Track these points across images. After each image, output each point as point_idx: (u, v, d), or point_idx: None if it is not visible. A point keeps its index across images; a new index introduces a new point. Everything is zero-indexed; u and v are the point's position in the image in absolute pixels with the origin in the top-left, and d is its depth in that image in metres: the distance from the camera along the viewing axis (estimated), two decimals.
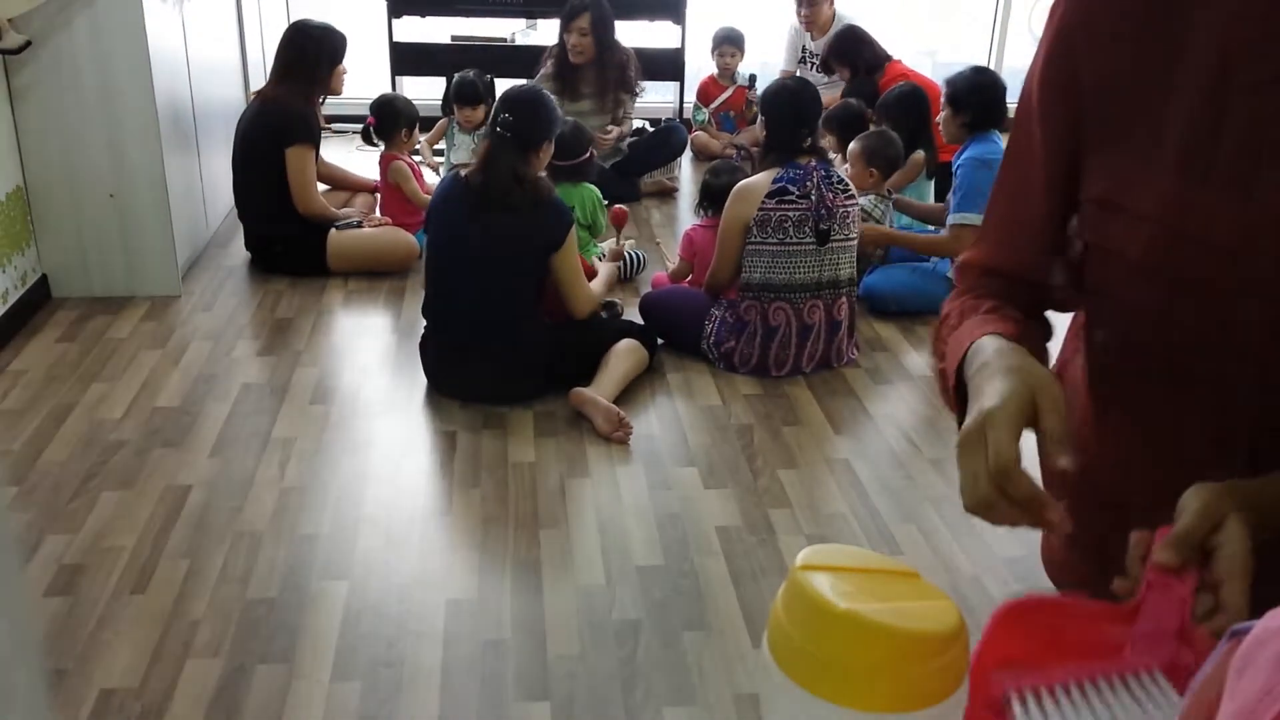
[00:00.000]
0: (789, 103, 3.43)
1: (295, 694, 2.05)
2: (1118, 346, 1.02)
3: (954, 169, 3.78)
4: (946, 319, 1.09)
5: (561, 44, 4.91)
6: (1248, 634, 0.48)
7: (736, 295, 3.42)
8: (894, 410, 3.25)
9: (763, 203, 3.29)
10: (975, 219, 3.66)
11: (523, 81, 3.65)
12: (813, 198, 3.30)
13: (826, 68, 5.19)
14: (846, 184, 3.43)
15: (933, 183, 4.36)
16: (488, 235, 3.10)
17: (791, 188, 3.29)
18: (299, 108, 4.05)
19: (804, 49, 5.61)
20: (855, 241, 3.46)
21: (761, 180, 3.33)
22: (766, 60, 5.92)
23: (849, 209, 3.39)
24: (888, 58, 5.01)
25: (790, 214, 3.29)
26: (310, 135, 4.05)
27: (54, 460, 2.82)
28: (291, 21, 4.30)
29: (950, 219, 3.76)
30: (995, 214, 1.14)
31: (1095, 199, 0.98)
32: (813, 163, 3.35)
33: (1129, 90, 0.95)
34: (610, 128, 4.99)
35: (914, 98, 4.35)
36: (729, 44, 5.59)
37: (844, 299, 3.43)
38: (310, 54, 4.09)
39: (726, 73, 5.65)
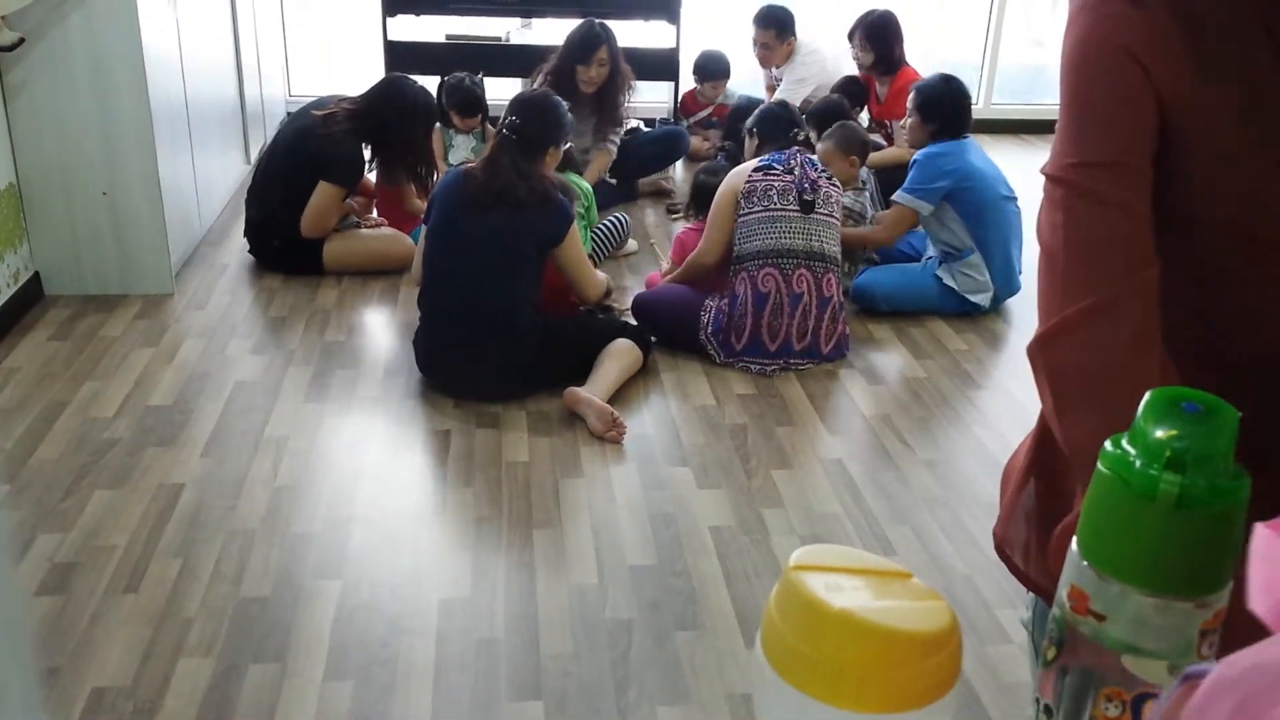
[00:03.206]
0: (781, 113, 3.81)
1: (288, 693, 2.05)
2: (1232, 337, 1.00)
3: (912, 162, 3.96)
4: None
5: (563, 73, 4.70)
6: (1201, 679, 0.47)
7: (726, 285, 3.46)
8: (887, 411, 3.25)
9: (750, 175, 3.49)
10: (916, 203, 3.83)
11: (523, 83, 3.64)
12: (796, 173, 3.48)
13: (850, 39, 5.10)
14: (829, 172, 3.62)
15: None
16: (487, 229, 3.12)
17: (776, 165, 3.51)
18: (353, 150, 4.01)
19: (771, 73, 5.59)
20: (838, 222, 3.58)
21: (751, 161, 3.59)
22: (758, 78, 5.89)
23: (831, 191, 3.55)
24: (904, 61, 5.01)
25: (775, 184, 3.46)
26: (347, 181, 4.02)
27: (46, 459, 2.81)
28: (395, 75, 4.27)
29: (894, 195, 3.92)
30: (1089, 110, 1.04)
31: (1194, 216, 0.98)
32: (796, 150, 3.58)
33: (1210, 106, 0.95)
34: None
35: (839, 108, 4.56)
36: (713, 77, 5.58)
37: (831, 275, 3.49)
38: (390, 116, 4.03)
39: (710, 97, 5.67)
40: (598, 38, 4.70)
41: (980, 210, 3.80)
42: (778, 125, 3.74)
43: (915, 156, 3.91)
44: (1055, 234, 1.05)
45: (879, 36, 4.96)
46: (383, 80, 4.19)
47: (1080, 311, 1.02)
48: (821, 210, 3.47)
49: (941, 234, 3.87)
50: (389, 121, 4.04)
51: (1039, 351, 1.07)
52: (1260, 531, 0.49)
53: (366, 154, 4.11)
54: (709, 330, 3.45)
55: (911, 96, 3.97)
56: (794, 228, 3.43)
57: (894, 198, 3.89)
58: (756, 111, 3.94)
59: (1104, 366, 1.02)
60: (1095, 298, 1.01)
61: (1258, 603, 0.47)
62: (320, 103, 4.12)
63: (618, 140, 4.92)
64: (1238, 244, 0.98)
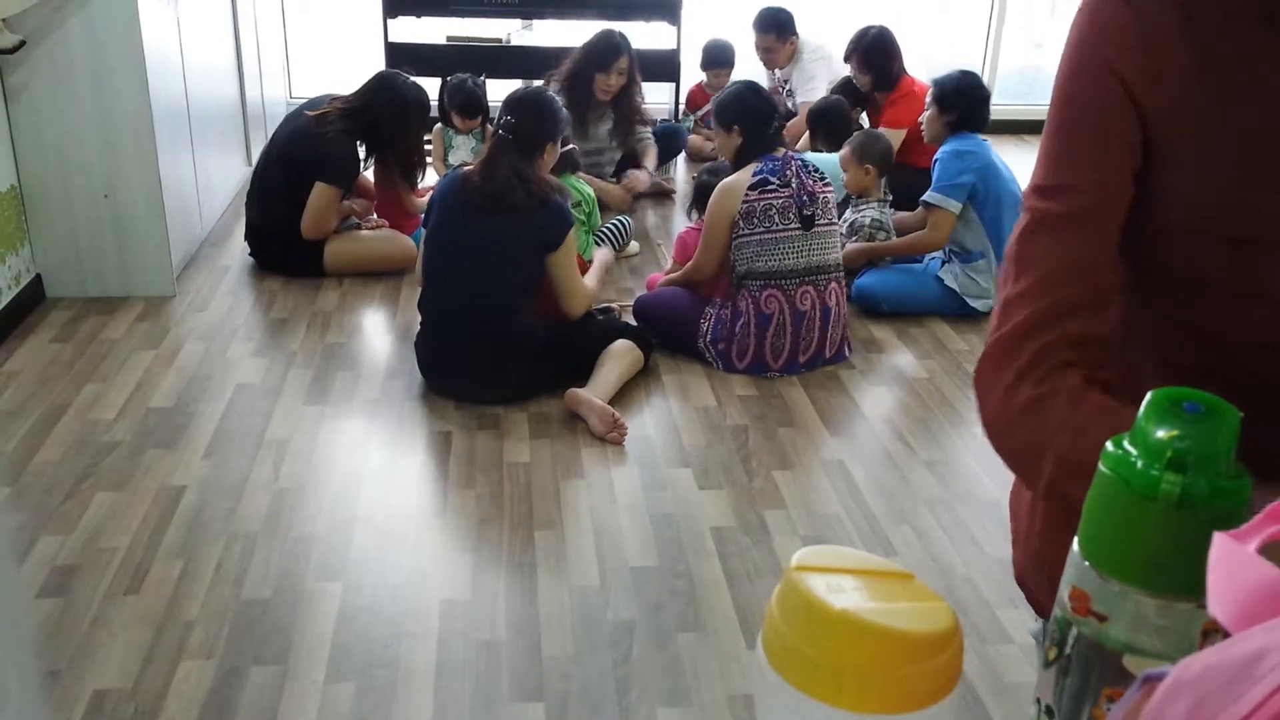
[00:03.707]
0: (756, 102, 3.54)
1: (289, 695, 2.05)
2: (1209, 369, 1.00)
3: (933, 161, 3.91)
4: (1050, 396, 0.97)
5: (580, 78, 4.67)
6: (1161, 680, 0.47)
7: (727, 291, 3.43)
8: (889, 411, 3.25)
9: (746, 195, 3.36)
10: (946, 201, 3.78)
11: (521, 83, 3.63)
12: (793, 185, 3.37)
13: (848, 60, 5.02)
14: (821, 171, 3.50)
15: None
16: (486, 234, 3.11)
17: (772, 178, 3.37)
18: (347, 148, 4.00)
19: (775, 75, 5.58)
20: (837, 226, 3.52)
21: (743, 175, 3.41)
22: (759, 68, 5.89)
23: (828, 195, 3.46)
24: (903, 73, 4.93)
25: (774, 202, 3.35)
26: (343, 180, 4.01)
27: (47, 461, 2.81)
28: (387, 71, 4.25)
29: (923, 197, 3.87)
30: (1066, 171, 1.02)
31: (1182, 225, 0.97)
32: (788, 154, 3.44)
33: (1208, 109, 0.94)
34: (635, 173, 4.85)
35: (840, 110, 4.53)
36: (718, 65, 5.58)
37: (834, 284, 3.46)
38: (383, 112, 4.01)
39: (715, 86, 5.67)
40: (618, 47, 4.67)
41: (999, 210, 3.79)
42: (760, 118, 3.47)
43: (937, 155, 3.88)
44: (1007, 261, 1.04)
45: (875, 58, 4.87)
46: (374, 77, 4.16)
47: (1015, 410, 1.00)
48: (821, 222, 3.40)
49: (961, 233, 3.84)
50: (382, 118, 4.02)
51: (990, 438, 1.05)
52: (1219, 538, 0.50)
53: (361, 152, 4.10)
54: (708, 338, 3.44)
55: (930, 90, 3.95)
56: (796, 246, 3.36)
57: (926, 199, 3.83)
58: (727, 96, 3.60)
59: (1045, 444, 1.00)
60: (1028, 390, 0.99)
61: (1216, 607, 0.47)
62: (313, 103, 4.12)
63: (649, 131, 4.98)
64: (1229, 250, 0.97)
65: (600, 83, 4.70)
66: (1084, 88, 1.00)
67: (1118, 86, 0.97)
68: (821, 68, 5.29)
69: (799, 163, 3.43)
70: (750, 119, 3.48)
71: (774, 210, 3.35)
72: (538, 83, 4.69)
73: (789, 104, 5.37)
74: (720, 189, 3.43)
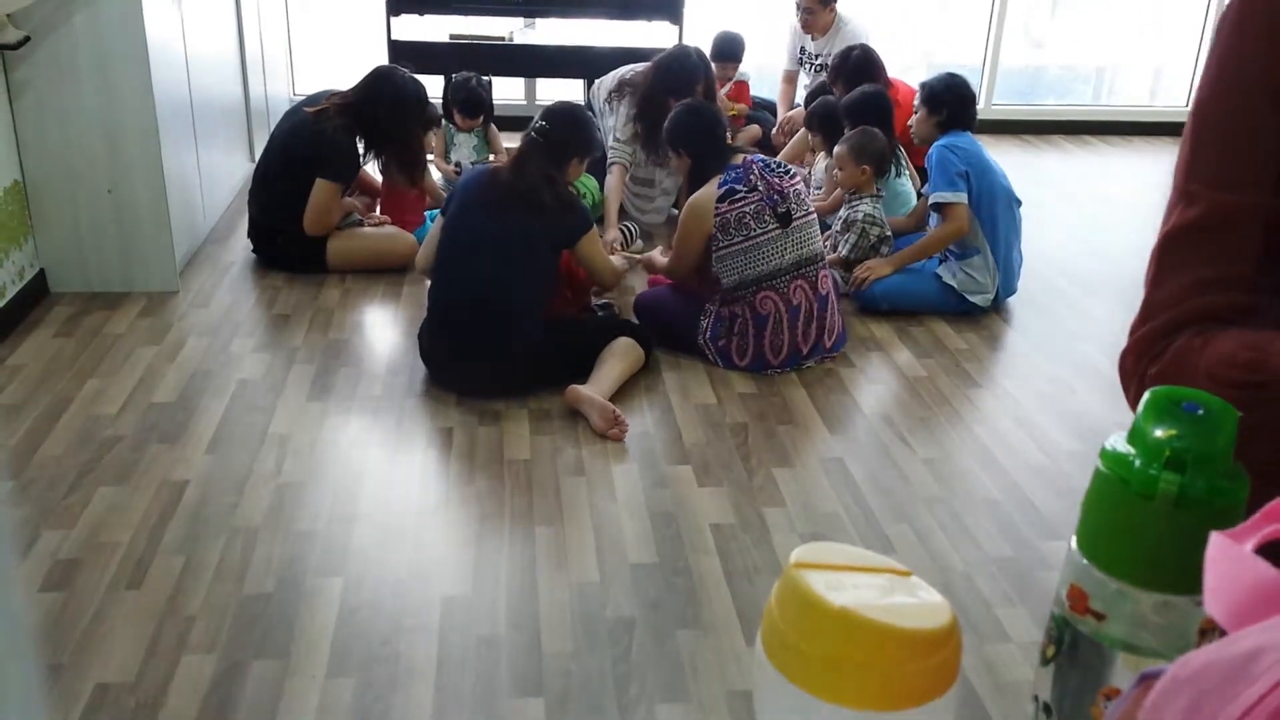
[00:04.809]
0: (696, 121, 3.58)
1: (290, 689, 2.06)
2: None
3: (926, 160, 3.93)
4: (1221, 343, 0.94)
5: (655, 101, 4.40)
6: (1158, 678, 0.48)
7: (721, 293, 3.44)
8: (888, 410, 3.25)
9: (716, 208, 3.36)
10: (956, 196, 3.78)
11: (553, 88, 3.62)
12: (760, 188, 3.36)
13: (833, 84, 4.96)
14: (784, 165, 3.51)
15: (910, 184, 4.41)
16: (506, 229, 3.15)
17: (738, 186, 3.37)
18: (346, 144, 4.00)
19: (803, 50, 5.58)
20: (815, 215, 3.51)
21: (709, 190, 3.41)
22: (764, 63, 5.90)
23: (797, 187, 3.45)
24: (889, 83, 4.87)
25: (746, 209, 3.35)
26: (343, 176, 4.01)
27: (50, 455, 2.82)
28: (385, 66, 4.22)
29: (932, 199, 3.87)
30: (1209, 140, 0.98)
31: None
32: (747, 158, 3.43)
33: None
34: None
35: (879, 99, 4.38)
36: (726, 58, 5.52)
37: (823, 271, 3.47)
38: (381, 107, 4.00)
39: (724, 78, 5.65)
40: (695, 72, 4.47)
41: (993, 204, 3.80)
42: (702, 136, 3.52)
43: (929, 153, 3.89)
44: (1154, 260, 1.02)
45: (860, 80, 4.73)
46: (372, 72, 4.14)
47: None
48: (798, 215, 3.40)
49: None
50: (380, 112, 4.02)
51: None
52: (1215, 538, 0.50)
53: (361, 148, 4.10)
54: (707, 335, 3.45)
55: (918, 94, 3.98)
56: (778, 246, 3.36)
57: (935, 200, 3.82)
58: (669, 123, 3.64)
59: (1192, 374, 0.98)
60: (1156, 369, 0.98)
61: (1213, 606, 0.48)
62: (312, 99, 4.12)
63: None
64: None
65: (673, 106, 4.59)
66: (1229, 91, 0.96)
67: (1269, 88, 0.94)
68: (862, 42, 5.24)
69: (760, 164, 3.41)
70: (693, 139, 3.55)
71: (748, 217, 3.35)
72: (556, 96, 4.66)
73: (822, 77, 5.30)
74: (689, 208, 3.45)
